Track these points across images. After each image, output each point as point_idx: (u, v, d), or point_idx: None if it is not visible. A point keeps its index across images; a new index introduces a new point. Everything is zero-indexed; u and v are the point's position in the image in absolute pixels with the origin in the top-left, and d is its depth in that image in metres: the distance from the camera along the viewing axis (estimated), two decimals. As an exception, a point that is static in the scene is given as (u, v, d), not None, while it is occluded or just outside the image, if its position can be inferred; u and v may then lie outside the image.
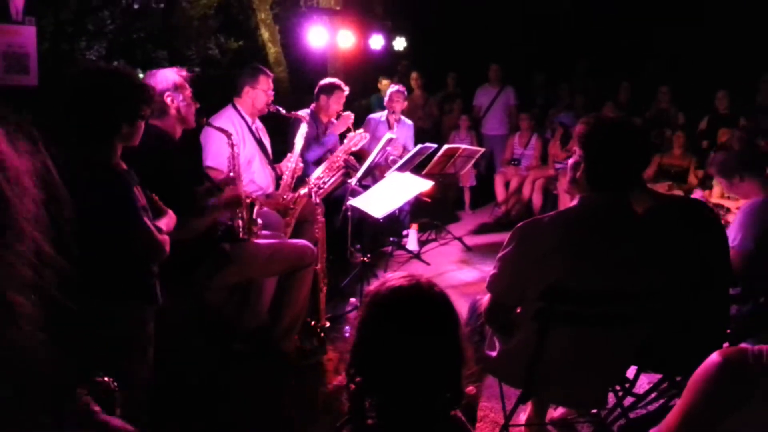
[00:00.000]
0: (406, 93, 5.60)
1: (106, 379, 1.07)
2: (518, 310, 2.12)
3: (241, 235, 2.88)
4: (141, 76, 6.89)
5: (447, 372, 1.26)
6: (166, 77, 2.76)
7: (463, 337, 1.28)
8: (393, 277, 1.30)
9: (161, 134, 2.74)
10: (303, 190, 3.45)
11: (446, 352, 1.25)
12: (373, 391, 1.24)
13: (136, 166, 2.48)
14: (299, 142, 3.57)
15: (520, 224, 2.03)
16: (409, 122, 5.72)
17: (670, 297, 2.03)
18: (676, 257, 2.05)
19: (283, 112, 3.76)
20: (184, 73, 2.84)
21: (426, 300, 1.25)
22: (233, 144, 3.00)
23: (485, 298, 2.20)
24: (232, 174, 2.98)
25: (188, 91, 2.82)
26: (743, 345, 2.73)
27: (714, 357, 1.18)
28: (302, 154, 3.78)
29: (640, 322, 2.03)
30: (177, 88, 2.77)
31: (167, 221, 2.34)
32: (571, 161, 2.08)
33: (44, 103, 2.79)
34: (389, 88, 5.66)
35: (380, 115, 5.61)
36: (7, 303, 0.56)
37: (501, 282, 2.04)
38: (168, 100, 2.73)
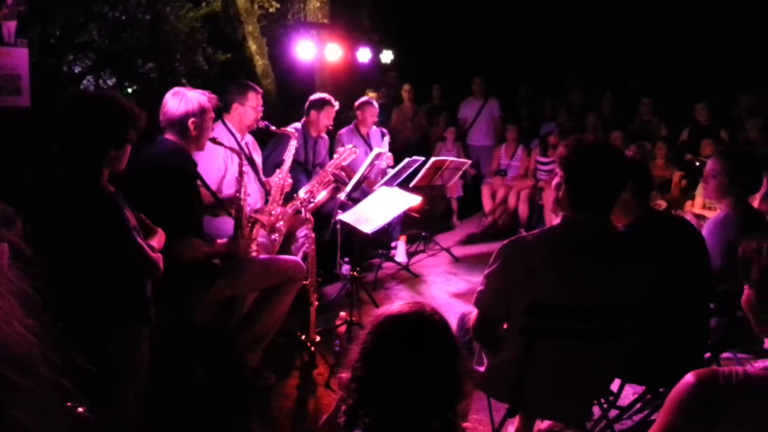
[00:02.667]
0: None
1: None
2: (505, 326, 2.18)
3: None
4: (129, 90, 6.86)
5: (441, 397, 1.31)
6: (196, 100, 2.80)
7: (462, 369, 1.34)
8: (400, 302, 1.36)
9: (185, 153, 2.82)
10: (290, 207, 3.49)
11: (442, 376, 1.31)
12: (369, 409, 1.29)
13: (163, 182, 2.63)
14: (288, 158, 3.61)
15: (505, 242, 2.09)
16: (378, 131, 5.70)
17: (652, 312, 2.11)
18: (657, 274, 2.11)
19: (273, 128, 3.80)
20: (213, 100, 2.89)
21: (426, 326, 1.31)
22: (243, 164, 3.07)
23: (473, 314, 2.26)
24: (238, 194, 3.04)
25: (211, 117, 2.88)
26: (725, 354, 2.82)
27: (688, 377, 1.25)
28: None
29: (623, 337, 2.09)
30: (203, 112, 2.82)
31: (158, 239, 2.39)
32: (554, 182, 2.15)
33: (36, 125, 2.82)
34: (359, 100, 5.71)
35: (346, 129, 5.65)
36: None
37: (487, 297, 2.10)
38: (191, 125, 2.78)
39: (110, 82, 7.07)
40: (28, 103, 3.00)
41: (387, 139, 5.58)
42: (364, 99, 5.64)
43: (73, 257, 2.02)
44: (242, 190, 3.03)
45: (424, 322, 1.32)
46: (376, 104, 5.63)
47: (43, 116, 2.29)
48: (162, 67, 7.05)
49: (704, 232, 2.80)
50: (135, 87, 7.22)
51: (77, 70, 6.68)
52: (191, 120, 2.78)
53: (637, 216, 2.56)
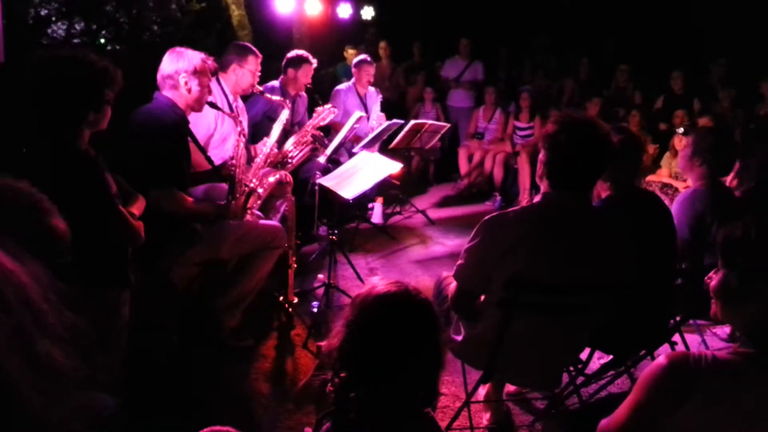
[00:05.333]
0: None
1: None
2: (482, 299, 2.25)
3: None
4: (102, 41, 6.59)
5: (426, 372, 1.38)
6: (190, 60, 2.82)
7: (443, 342, 1.39)
8: (382, 282, 1.40)
9: (178, 110, 2.83)
10: (273, 177, 3.46)
11: (427, 354, 1.37)
12: (357, 386, 1.34)
13: (151, 134, 2.68)
14: (278, 127, 3.57)
15: (486, 218, 2.12)
16: (375, 91, 5.67)
17: (623, 287, 2.18)
18: (628, 250, 2.17)
19: (267, 95, 3.75)
20: (210, 62, 2.90)
21: (412, 306, 1.36)
22: (243, 133, 3.08)
23: (452, 285, 2.31)
24: (233, 161, 3.05)
25: (206, 80, 2.89)
26: (694, 319, 2.94)
27: (661, 359, 1.32)
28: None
29: (596, 310, 2.17)
30: (196, 72, 2.82)
31: (138, 206, 2.37)
32: (540, 157, 2.17)
33: (11, 81, 2.71)
34: (356, 58, 5.63)
35: (346, 86, 5.59)
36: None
37: (467, 272, 2.16)
38: (182, 81, 2.80)
39: (78, 27, 6.80)
40: (2, 58, 2.88)
41: (380, 98, 5.52)
42: (361, 57, 5.55)
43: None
44: (237, 156, 3.04)
45: (408, 302, 1.37)
46: (373, 63, 5.54)
47: (16, 70, 2.19)
48: (133, 14, 6.79)
49: (674, 206, 2.89)
50: (104, 33, 6.97)
51: (44, 12, 6.39)
52: (182, 76, 2.79)
53: (612, 192, 2.63)
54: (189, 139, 2.97)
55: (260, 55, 3.74)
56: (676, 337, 2.88)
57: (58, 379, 0.65)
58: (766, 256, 1.28)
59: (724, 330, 3.60)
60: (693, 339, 3.33)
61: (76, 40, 6.31)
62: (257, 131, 4.04)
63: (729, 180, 3.32)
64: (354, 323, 1.36)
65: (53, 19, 6.17)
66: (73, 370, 0.66)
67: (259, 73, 3.74)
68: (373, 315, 1.34)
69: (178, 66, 2.79)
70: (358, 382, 1.34)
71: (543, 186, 2.17)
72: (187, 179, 2.96)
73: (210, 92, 2.92)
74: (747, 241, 1.31)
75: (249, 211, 3.13)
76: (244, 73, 3.66)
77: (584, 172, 2.05)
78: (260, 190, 3.23)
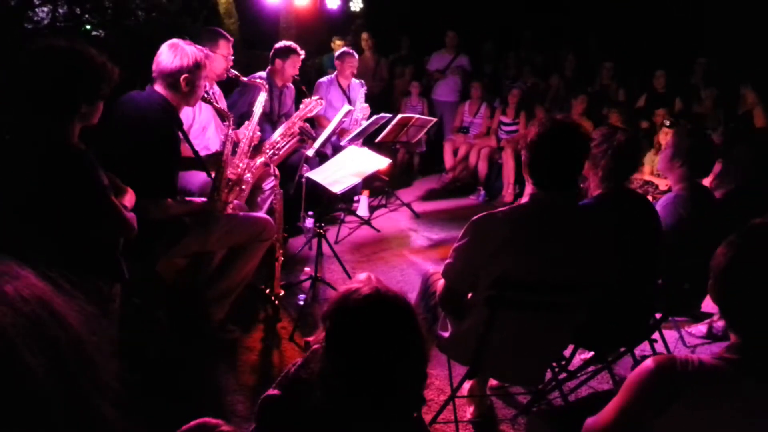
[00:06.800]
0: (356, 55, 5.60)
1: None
2: (470, 296, 2.28)
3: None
4: (88, 27, 6.49)
5: (411, 369, 1.36)
6: (192, 56, 2.74)
7: (423, 337, 1.39)
8: (353, 285, 1.37)
9: (171, 111, 2.77)
10: (259, 159, 3.46)
11: (408, 351, 1.35)
12: (346, 391, 1.34)
13: (143, 141, 2.61)
14: (258, 110, 3.56)
15: (475, 218, 2.15)
16: (358, 83, 5.64)
17: (607, 286, 2.23)
18: (613, 250, 2.22)
19: (243, 78, 3.72)
20: (206, 51, 2.84)
21: (389, 305, 1.35)
22: (230, 126, 3.05)
23: (440, 283, 2.35)
24: (223, 156, 3.03)
25: (204, 73, 2.84)
26: (673, 317, 3.01)
27: (648, 362, 1.36)
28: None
29: (580, 309, 2.22)
30: (198, 70, 2.76)
31: (129, 198, 2.36)
32: (523, 159, 2.20)
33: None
34: (339, 50, 5.62)
35: (328, 79, 5.58)
36: None
37: (455, 271, 2.19)
38: (182, 81, 2.74)
39: (62, 11, 6.68)
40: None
41: (364, 90, 5.51)
42: (343, 49, 5.54)
43: (45, 217, 1.99)
44: (226, 153, 3.02)
45: (383, 302, 1.34)
46: (356, 55, 5.52)
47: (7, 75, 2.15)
48: (119, 1, 6.68)
49: (657, 209, 2.95)
50: (87, 17, 6.85)
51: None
52: (184, 76, 2.73)
53: (605, 190, 2.67)
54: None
55: (231, 39, 3.71)
56: (656, 335, 2.94)
57: None
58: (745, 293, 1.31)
59: (701, 328, 3.69)
60: (671, 335, 3.41)
61: (59, 24, 6.19)
62: (242, 121, 4.03)
63: (709, 181, 3.39)
64: (334, 331, 1.34)
65: (36, 2, 6.04)
66: (119, 425, 0.61)
67: (232, 57, 3.71)
68: (348, 323, 1.33)
69: (181, 65, 2.71)
70: (347, 386, 1.32)
71: (529, 185, 2.20)
72: (176, 185, 2.94)
73: (205, 86, 2.89)
74: (730, 280, 1.33)
75: (231, 204, 3.12)
76: (217, 58, 3.63)
77: (567, 172, 2.09)
78: (248, 176, 3.22)
